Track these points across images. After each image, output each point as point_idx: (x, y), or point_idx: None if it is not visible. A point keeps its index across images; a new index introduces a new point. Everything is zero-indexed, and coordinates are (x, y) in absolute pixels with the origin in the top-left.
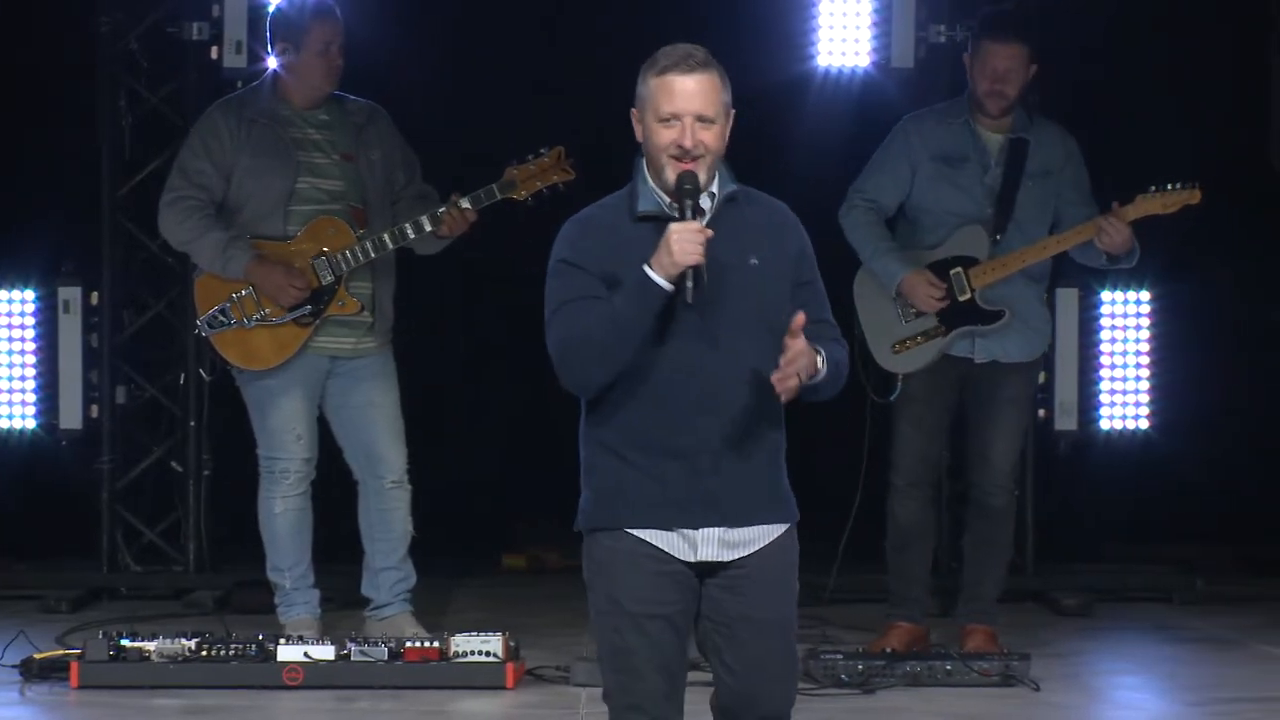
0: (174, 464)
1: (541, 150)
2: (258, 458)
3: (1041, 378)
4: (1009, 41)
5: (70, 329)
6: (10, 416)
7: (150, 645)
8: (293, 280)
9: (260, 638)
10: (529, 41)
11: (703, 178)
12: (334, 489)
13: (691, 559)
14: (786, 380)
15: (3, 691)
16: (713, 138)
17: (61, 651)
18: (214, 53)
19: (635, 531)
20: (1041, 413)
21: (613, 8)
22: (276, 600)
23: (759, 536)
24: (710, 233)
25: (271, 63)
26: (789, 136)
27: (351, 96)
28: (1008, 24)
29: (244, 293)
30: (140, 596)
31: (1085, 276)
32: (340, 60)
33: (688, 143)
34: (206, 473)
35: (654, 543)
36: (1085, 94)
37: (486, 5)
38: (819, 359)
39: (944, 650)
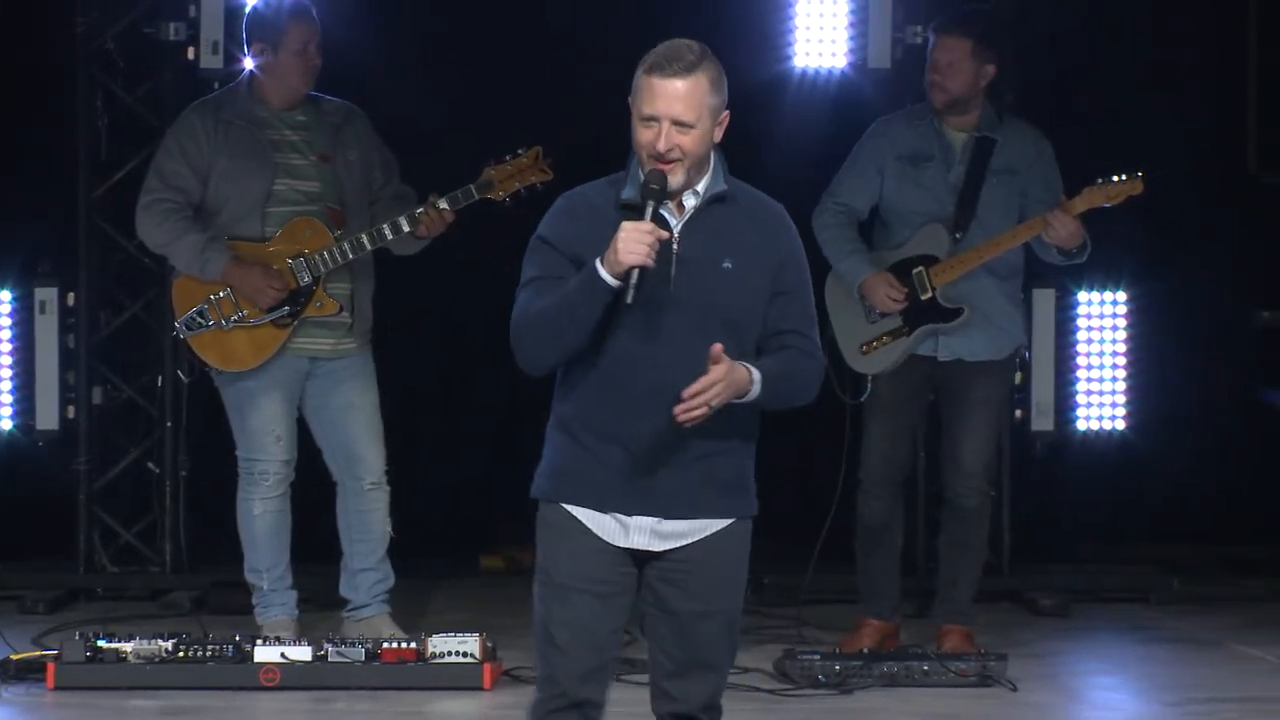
0: (151, 465)
1: (519, 150)
2: (236, 459)
3: (1019, 379)
4: (950, 34)
5: (47, 329)
6: None
7: (127, 646)
8: (271, 281)
9: (237, 638)
10: (507, 41)
11: (679, 179)
12: (312, 490)
13: (622, 544)
14: (689, 411)
15: None
16: (691, 142)
17: (38, 653)
18: (191, 53)
19: (570, 508)
20: (1018, 413)
21: (592, 7)
22: (254, 601)
23: (696, 530)
24: (664, 235)
25: (248, 64)
26: (766, 137)
27: (328, 97)
28: (953, 18)
29: (222, 294)
30: (117, 597)
31: (1062, 277)
32: (318, 60)
33: (661, 146)
34: (184, 474)
35: (586, 522)
36: (1066, 91)
37: (463, 5)
38: (752, 378)
39: (921, 650)
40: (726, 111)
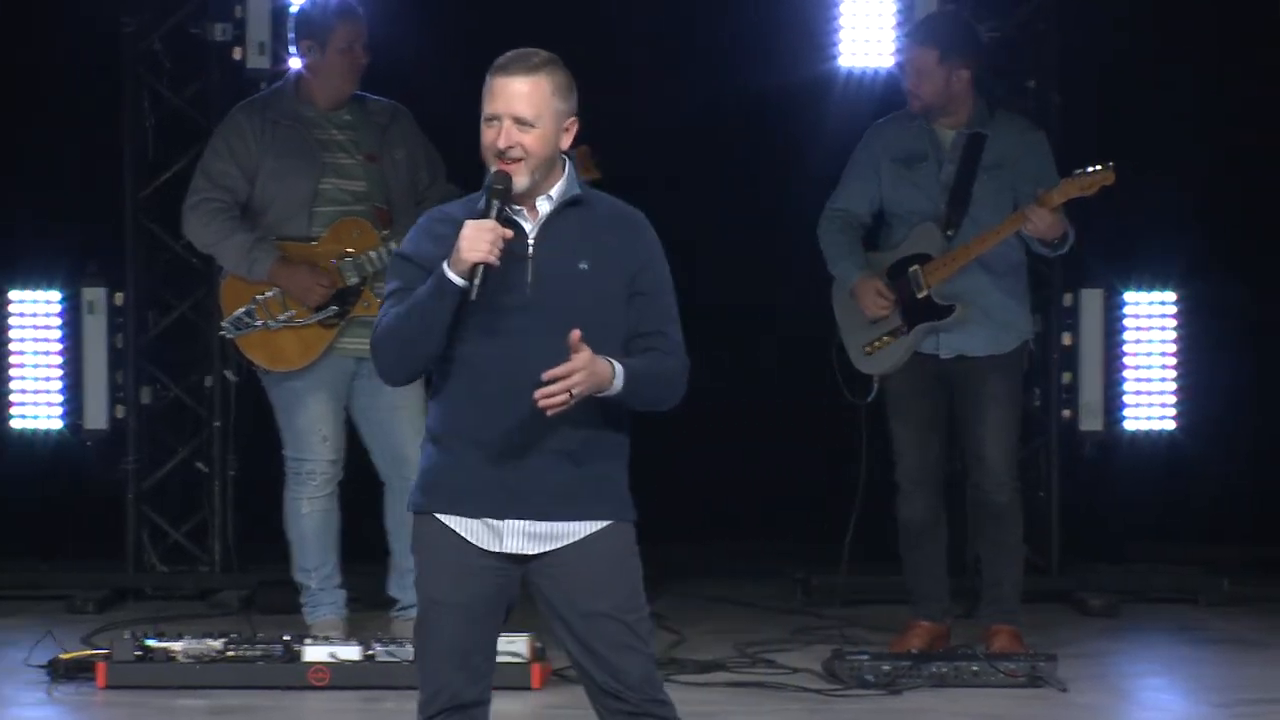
0: (199, 464)
1: (566, 150)
2: (284, 458)
3: (1067, 378)
4: (915, 43)
5: (95, 330)
6: (36, 417)
7: (176, 645)
8: (319, 280)
9: (286, 638)
10: (553, 40)
11: (524, 181)
12: (360, 489)
13: (496, 549)
14: (550, 396)
15: (30, 691)
16: (533, 140)
17: (88, 652)
18: (237, 53)
19: (442, 517)
20: (1066, 413)
21: (637, 7)
22: (302, 600)
23: (570, 532)
24: (507, 233)
25: (295, 63)
26: (811, 137)
27: (374, 96)
28: (919, 26)
29: (269, 294)
30: (166, 597)
31: (1110, 277)
32: (364, 59)
33: (501, 143)
34: (232, 473)
35: (458, 530)
36: (1112, 89)
37: (509, 3)
38: (614, 372)
39: (970, 651)
40: (574, 118)
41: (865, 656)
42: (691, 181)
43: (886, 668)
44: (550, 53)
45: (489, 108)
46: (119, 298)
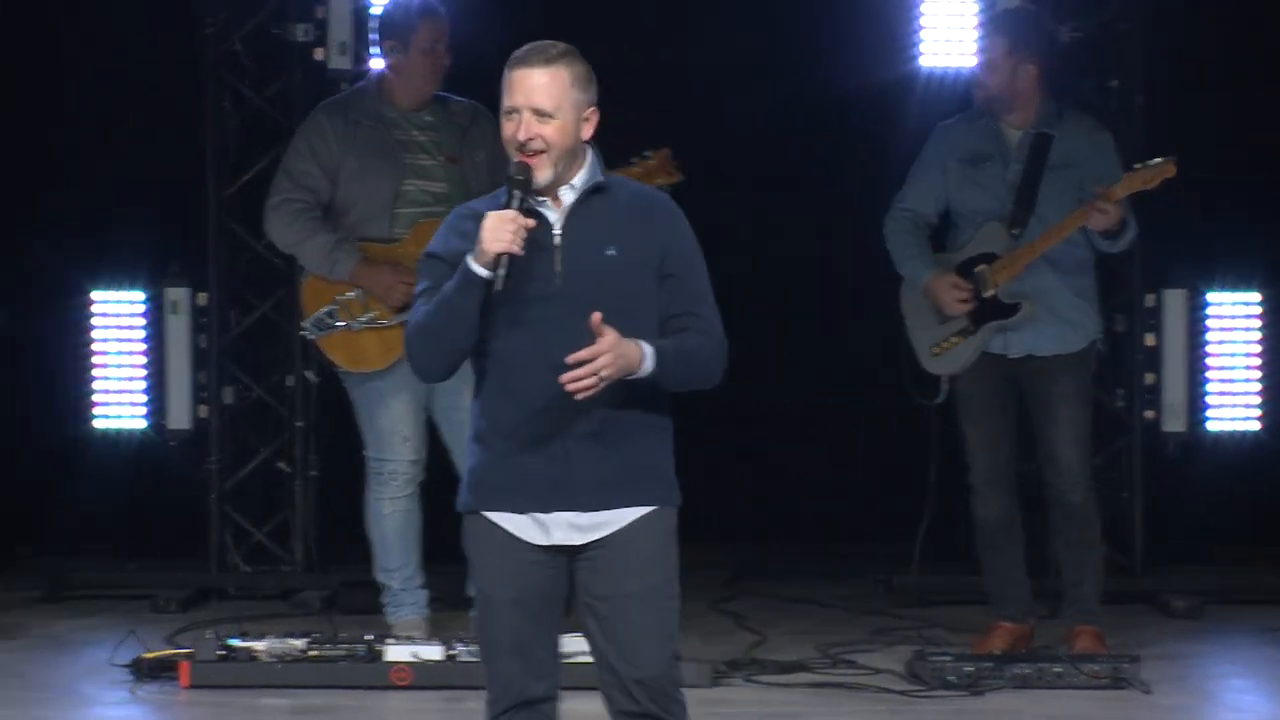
0: (281, 464)
1: (646, 152)
2: (366, 459)
3: (1151, 378)
4: (985, 33)
5: (178, 330)
6: (120, 417)
7: (259, 645)
8: (401, 280)
9: (369, 638)
10: (635, 40)
11: (546, 174)
12: (442, 489)
13: (545, 542)
14: (578, 380)
15: (113, 691)
16: (553, 132)
17: (171, 651)
18: (319, 54)
19: (490, 515)
20: (1150, 414)
21: (720, 9)
22: (384, 600)
23: (614, 519)
24: (529, 222)
25: (376, 64)
26: (893, 138)
27: (455, 97)
28: (992, 17)
29: (351, 295)
30: (249, 596)
31: (1193, 278)
32: (446, 60)
33: (521, 135)
34: (314, 473)
35: (506, 527)
36: (1195, 88)
37: (593, 5)
38: (643, 354)
39: (1053, 652)
40: (594, 108)
41: (948, 657)
42: (774, 183)
43: (969, 669)
44: (567, 44)
45: (508, 100)
46: (202, 298)
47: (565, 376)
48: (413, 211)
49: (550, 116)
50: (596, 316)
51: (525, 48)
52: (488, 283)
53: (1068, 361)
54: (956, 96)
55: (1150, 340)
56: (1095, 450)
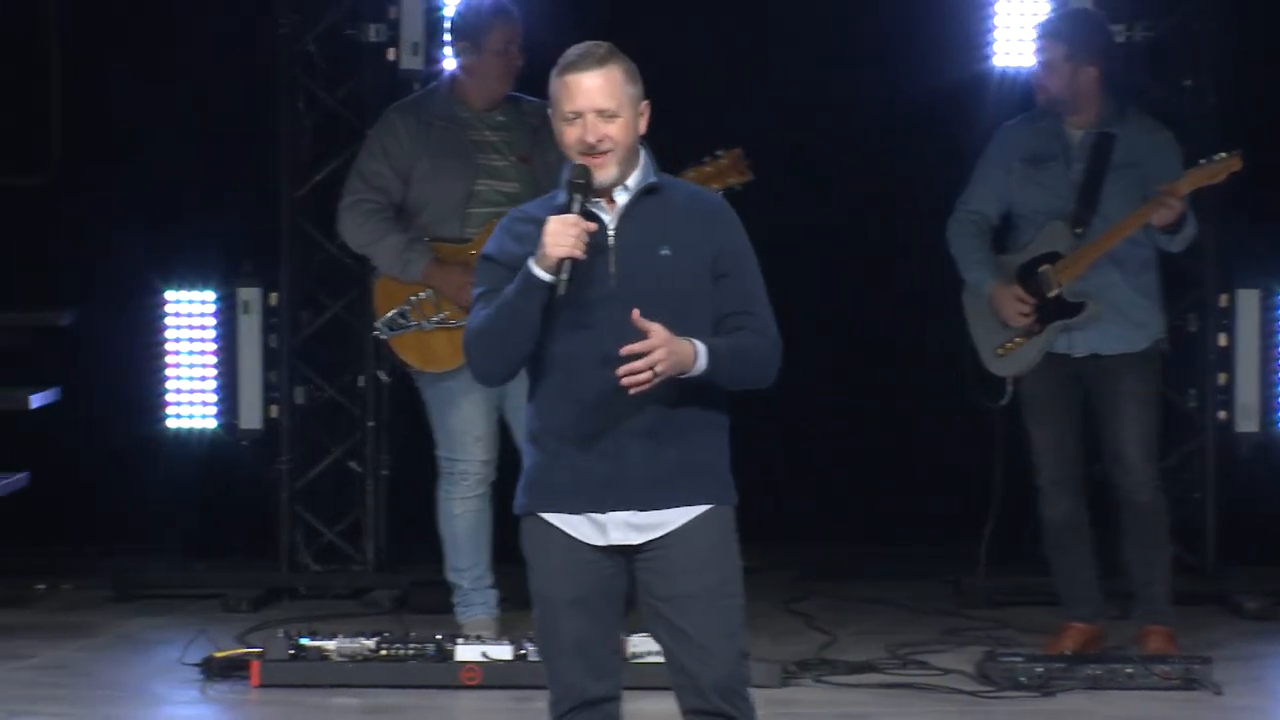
0: (352, 464)
1: (718, 152)
2: (437, 458)
3: (1222, 378)
4: (1044, 37)
5: (250, 330)
6: (191, 416)
7: (330, 644)
8: (473, 278)
9: (439, 637)
10: (706, 40)
11: (612, 172)
12: (513, 490)
13: (601, 543)
14: (633, 375)
15: (184, 690)
16: (617, 130)
17: (242, 650)
18: (391, 54)
19: (548, 517)
20: (1222, 414)
21: (793, 10)
22: (455, 600)
23: (671, 519)
24: (591, 226)
25: (449, 64)
26: (966, 137)
27: (527, 97)
28: (1052, 19)
29: (423, 295)
30: (320, 596)
31: (1267, 278)
32: (519, 60)
33: (590, 138)
34: (385, 473)
35: (564, 528)
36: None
37: (663, 7)
38: (696, 351)
39: (1124, 653)
40: (646, 101)
41: (1018, 658)
42: (846, 184)
43: (1040, 669)
44: (607, 42)
45: (568, 106)
46: (273, 298)
47: (621, 369)
48: (485, 211)
49: (614, 115)
50: (636, 313)
51: (572, 53)
52: (550, 287)
53: (1132, 360)
54: (1029, 96)
55: (1223, 340)
56: (1168, 451)
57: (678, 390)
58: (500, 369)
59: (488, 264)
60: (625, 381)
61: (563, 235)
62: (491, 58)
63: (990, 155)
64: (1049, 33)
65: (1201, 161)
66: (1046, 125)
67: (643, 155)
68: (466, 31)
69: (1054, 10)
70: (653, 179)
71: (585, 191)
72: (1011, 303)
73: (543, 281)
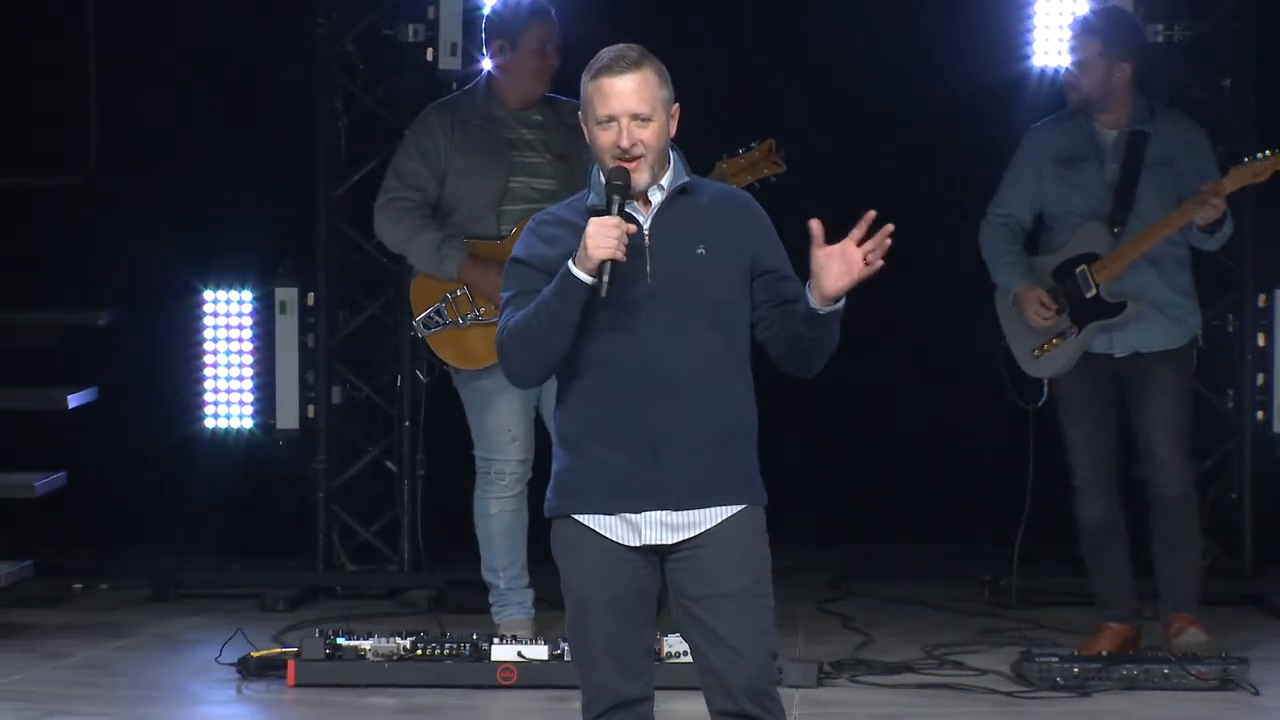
0: (389, 464)
1: (752, 143)
2: (474, 458)
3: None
4: (1078, 34)
5: (287, 329)
6: (228, 416)
7: (366, 644)
8: None
9: (475, 637)
10: (742, 43)
11: (644, 177)
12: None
13: (636, 543)
14: (840, 280)
15: (220, 689)
16: (651, 134)
17: (278, 650)
18: (429, 54)
19: (581, 518)
20: (1260, 415)
21: (828, 9)
22: (491, 600)
23: (705, 519)
24: (631, 228)
25: (486, 64)
26: (1004, 137)
27: (564, 98)
28: (1086, 17)
29: (459, 292)
30: (356, 595)
31: None
32: (555, 60)
33: (625, 143)
34: (421, 473)
35: (597, 529)
36: None
37: (702, 7)
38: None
39: (1161, 653)
40: (677, 104)
41: (1055, 658)
42: (884, 182)
43: (1076, 670)
44: (638, 45)
45: (602, 110)
46: (311, 297)
47: (869, 244)
48: (520, 208)
49: (648, 119)
50: (815, 224)
51: (604, 56)
52: (590, 289)
53: (1170, 357)
54: (1064, 97)
55: (1261, 340)
56: (1206, 451)
57: (713, 392)
58: (537, 371)
59: (517, 267)
60: (870, 257)
61: (604, 237)
62: (528, 57)
63: (1020, 158)
64: (1084, 29)
65: (1245, 160)
66: (1076, 125)
67: (673, 156)
68: (502, 31)
69: (1091, 8)
70: (685, 179)
71: (624, 194)
72: (1035, 305)
73: (583, 283)
